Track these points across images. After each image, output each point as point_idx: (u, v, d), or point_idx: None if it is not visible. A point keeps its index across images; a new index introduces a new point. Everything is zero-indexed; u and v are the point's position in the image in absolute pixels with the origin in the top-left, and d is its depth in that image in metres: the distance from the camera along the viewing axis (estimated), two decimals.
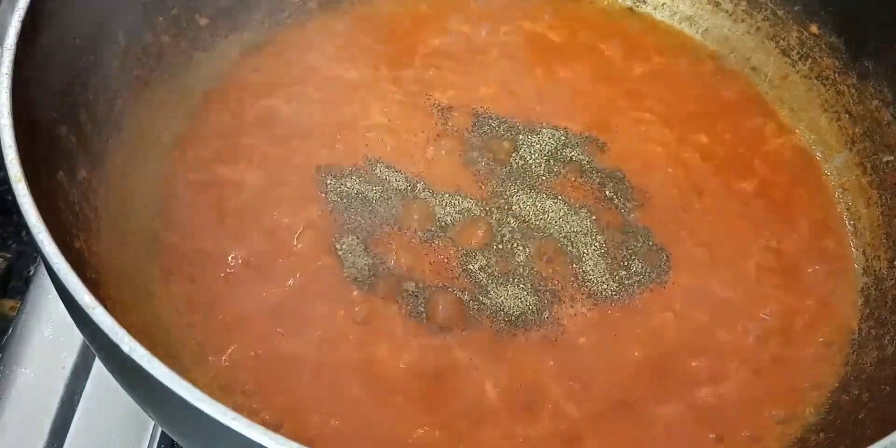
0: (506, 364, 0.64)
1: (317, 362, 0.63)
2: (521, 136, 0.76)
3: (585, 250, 0.70)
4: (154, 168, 0.71)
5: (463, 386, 0.63)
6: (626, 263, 0.70)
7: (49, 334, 0.75)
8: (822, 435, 0.64)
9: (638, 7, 0.89)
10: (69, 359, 0.74)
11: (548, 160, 0.75)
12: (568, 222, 0.71)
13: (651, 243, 0.72)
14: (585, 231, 0.71)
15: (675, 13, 0.88)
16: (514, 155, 0.75)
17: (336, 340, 0.64)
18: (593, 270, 0.69)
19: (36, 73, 0.57)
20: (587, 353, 0.65)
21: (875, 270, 0.74)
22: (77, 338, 0.75)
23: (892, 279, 0.72)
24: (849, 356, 0.69)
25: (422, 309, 0.66)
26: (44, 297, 0.77)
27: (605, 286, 0.69)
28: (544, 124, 0.78)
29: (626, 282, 0.69)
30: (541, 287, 0.68)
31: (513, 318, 0.66)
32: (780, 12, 0.84)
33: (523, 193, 0.73)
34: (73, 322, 0.53)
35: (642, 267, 0.70)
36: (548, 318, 0.67)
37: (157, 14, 0.73)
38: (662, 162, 0.77)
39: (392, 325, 0.65)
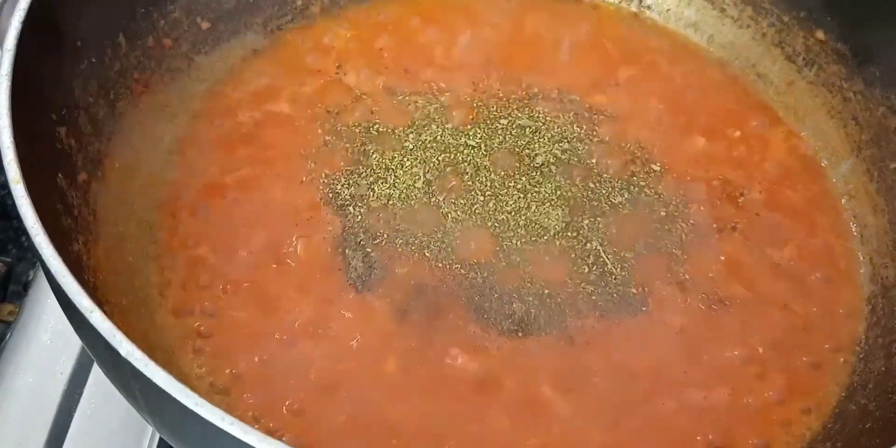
0: (509, 367, 0.64)
1: (320, 367, 0.63)
2: (526, 141, 0.76)
3: (589, 258, 0.70)
4: (154, 172, 0.70)
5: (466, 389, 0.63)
6: (629, 271, 0.69)
7: (48, 339, 0.75)
8: (828, 444, 0.63)
9: (642, 12, 0.88)
10: (67, 364, 0.74)
11: (550, 166, 0.74)
12: (570, 229, 0.71)
13: (654, 251, 0.71)
14: (589, 238, 0.71)
15: (680, 19, 0.88)
16: (523, 160, 0.74)
17: (340, 346, 0.64)
18: (597, 279, 0.69)
19: (36, 75, 0.57)
20: (591, 359, 0.65)
21: (882, 278, 0.73)
22: (75, 343, 0.74)
23: None
24: (855, 365, 0.68)
25: (427, 315, 0.66)
26: (43, 302, 0.77)
27: (609, 296, 0.68)
28: (547, 130, 0.77)
29: (628, 290, 0.69)
30: (544, 294, 0.67)
31: (515, 324, 0.66)
32: (785, 18, 0.84)
33: (529, 201, 0.72)
34: (71, 327, 0.52)
35: (645, 275, 0.69)
36: (551, 324, 0.66)
37: (158, 17, 0.73)
38: (666, 169, 0.76)
39: (394, 330, 0.65)
